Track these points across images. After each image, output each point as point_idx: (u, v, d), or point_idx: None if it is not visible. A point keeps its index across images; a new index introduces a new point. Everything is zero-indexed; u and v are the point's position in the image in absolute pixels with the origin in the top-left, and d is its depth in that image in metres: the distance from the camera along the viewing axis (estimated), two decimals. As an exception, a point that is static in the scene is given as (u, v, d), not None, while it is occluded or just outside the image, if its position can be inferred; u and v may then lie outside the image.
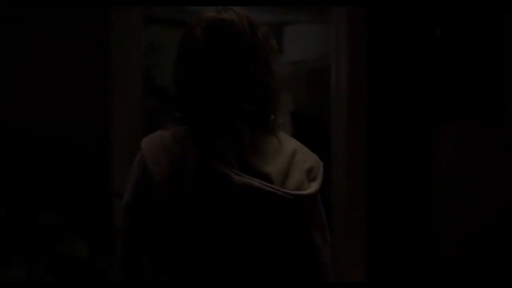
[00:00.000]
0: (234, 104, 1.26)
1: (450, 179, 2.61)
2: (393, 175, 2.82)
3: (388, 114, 2.82)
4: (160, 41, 3.94)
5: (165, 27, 4.49)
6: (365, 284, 2.75)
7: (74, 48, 2.69)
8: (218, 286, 1.21)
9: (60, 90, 2.68)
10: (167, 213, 1.22)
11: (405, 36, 2.75)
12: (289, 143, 1.31)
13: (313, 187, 1.26)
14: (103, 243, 2.37)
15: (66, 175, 2.64)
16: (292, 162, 1.27)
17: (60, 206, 2.39)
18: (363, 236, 2.85)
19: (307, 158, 1.30)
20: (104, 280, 2.23)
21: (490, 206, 2.70)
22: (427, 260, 2.71)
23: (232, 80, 1.26)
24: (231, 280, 1.21)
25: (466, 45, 2.66)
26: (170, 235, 1.22)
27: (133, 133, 2.85)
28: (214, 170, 1.19)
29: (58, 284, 2.13)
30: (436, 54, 2.68)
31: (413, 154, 2.72)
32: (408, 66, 2.77)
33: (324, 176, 1.30)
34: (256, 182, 1.19)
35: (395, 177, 2.82)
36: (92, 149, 2.71)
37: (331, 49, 3.03)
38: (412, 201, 2.78)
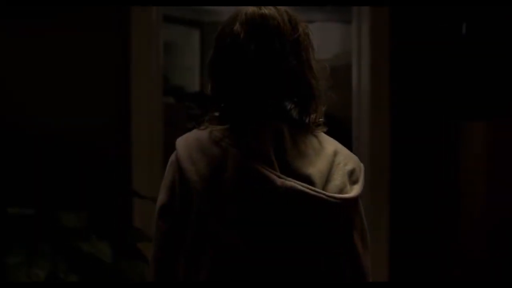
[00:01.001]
0: (274, 103, 1.23)
1: (477, 179, 2.57)
2: (417, 175, 2.78)
3: (412, 113, 2.78)
4: (172, 40, 3.94)
5: (175, 26, 4.49)
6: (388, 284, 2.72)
7: (95, 48, 2.70)
8: None
9: (82, 91, 2.69)
10: (205, 215, 1.18)
11: (430, 34, 2.70)
12: (330, 144, 1.27)
13: (356, 190, 1.21)
14: (124, 244, 2.37)
15: (86, 175, 2.65)
16: (333, 163, 1.22)
17: (81, 207, 2.40)
18: (388, 235, 2.82)
19: (348, 159, 1.25)
20: (127, 280, 2.23)
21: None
22: (453, 259, 2.67)
23: (272, 77, 1.21)
24: (270, 284, 1.17)
25: (492, 43, 2.61)
26: (207, 236, 1.19)
27: (153, 133, 2.86)
28: (255, 172, 1.15)
29: (78, 284, 2.13)
30: (462, 51, 2.64)
31: (438, 154, 2.68)
32: (433, 64, 2.72)
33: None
34: (299, 185, 1.15)
35: (419, 177, 2.78)
36: (112, 149, 2.71)
37: (352, 47, 3.00)
38: (437, 200, 2.74)
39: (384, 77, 2.81)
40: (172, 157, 1.27)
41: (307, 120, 1.25)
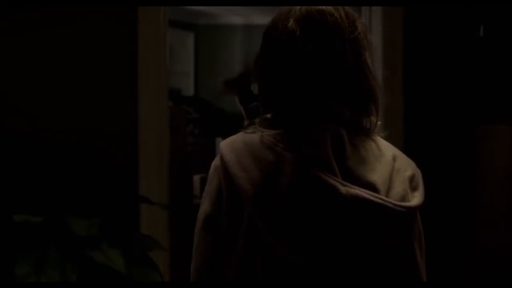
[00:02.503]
0: (331, 104, 1.14)
1: (497, 182, 2.53)
2: (433, 179, 2.73)
3: (427, 117, 2.74)
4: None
5: (169, 29, 4.46)
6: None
7: (102, 55, 2.64)
8: None
9: (90, 95, 2.64)
10: (258, 226, 1.09)
11: (446, 36, 2.66)
12: (388, 148, 1.19)
13: (418, 197, 1.13)
14: (135, 251, 2.30)
15: (94, 181, 2.58)
16: (393, 169, 1.14)
17: (90, 213, 2.33)
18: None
19: (407, 165, 1.18)
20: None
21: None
22: (471, 262, 2.63)
23: (330, 77, 1.13)
24: None
25: (510, 44, 2.57)
26: (260, 249, 1.10)
27: (160, 138, 2.80)
28: (316, 179, 1.06)
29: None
30: (479, 53, 2.60)
31: (455, 158, 2.63)
32: (449, 66, 2.69)
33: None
34: (365, 193, 1.06)
35: (435, 181, 2.74)
36: (119, 154, 2.66)
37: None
38: (454, 203, 2.70)
39: (398, 79, 2.77)
40: (216, 162, 1.18)
41: (366, 124, 1.18)
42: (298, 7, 1.16)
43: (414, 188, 1.15)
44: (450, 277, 2.71)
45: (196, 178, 5.03)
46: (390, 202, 1.08)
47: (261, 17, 8.24)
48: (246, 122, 5.24)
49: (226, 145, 1.17)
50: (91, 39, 2.63)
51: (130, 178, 2.64)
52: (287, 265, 1.09)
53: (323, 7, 1.15)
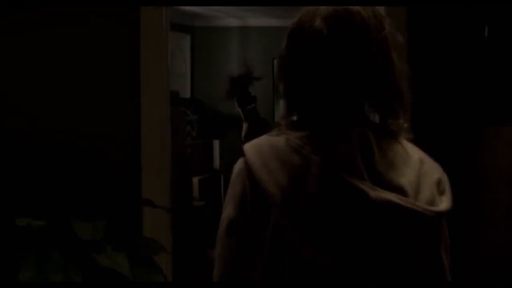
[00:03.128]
0: (359, 105, 1.11)
1: (499, 184, 2.52)
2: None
3: (431, 118, 2.72)
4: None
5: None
6: None
7: (103, 56, 2.62)
8: None
9: (92, 98, 2.61)
10: (285, 231, 1.06)
11: (450, 37, 2.65)
12: (414, 151, 1.17)
13: (446, 201, 1.11)
14: (139, 255, 2.28)
15: (96, 184, 2.56)
16: (420, 173, 1.11)
17: (93, 216, 2.31)
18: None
19: (433, 168, 1.16)
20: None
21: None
22: (478, 262, 2.62)
23: (359, 78, 1.10)
24: None
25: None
26: (286, 254, 1.07)
27: (162, 141, 2.78)
28: (345, 183, 1.03)
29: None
30: (483, 55, 2.58)
31: (459, 160, 2.61)
32: (453, 67, 2.67)
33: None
34: (395, 198, 1.04)
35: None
36: (122, 157, 2.63)
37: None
38: (458, 204, 2.68)
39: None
40: (239, 166, 1.16)
41: (393, 126, 1.15)
42: (325, 6, 1.14)
43: (441, 192, 1.13)
44: (451, 277, 2.69)
45: (195, 180, 5.01)
46: (420, 207, 1.06)
47: (257, 19, 8.23)
48: (244, 124, 5.30)
49: (250, 148, 1.14)
50: (92, 40, 2.61)
51: (133, 181, 2.62)
52: (315, 268, 1.07)
53: (350, 6, 1.12)
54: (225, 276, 1.14)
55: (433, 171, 1.15)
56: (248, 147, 1.14)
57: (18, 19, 2.56)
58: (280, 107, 1.21)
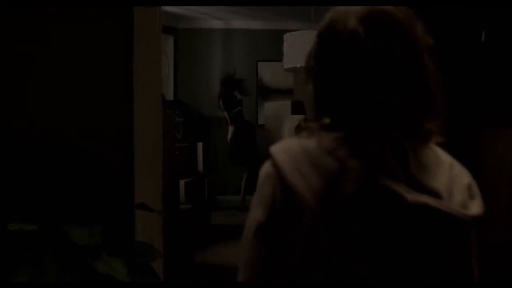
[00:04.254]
0: (393, 107, 1.08)
1: (499, 186, 2.53)
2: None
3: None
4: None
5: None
6: None
7: (96, 60, 2.58)
8: None
9: (85, 101, 2.57)
10: (319, 236, 1.03)
11: (449, 40, 2.65)
12: (444, 155, 1.16)
13: (478, 205, 1.09)
14: (134, 260, 2.24)
15: (89, 188, 2.51)
16: (451, 176, 1.10)
17: (87, 221, 2.27)
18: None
19: (463, 172, 1.14)
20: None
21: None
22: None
23: (392, 78, 1.07)
24: None
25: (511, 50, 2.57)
26: (320, 259, 1.04)
27: (155, 144, 2.74)
28: (382, 187, 1.01)
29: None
30: (482, 58, 2.59)
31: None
32: (453, 71, 2.67)
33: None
34: (432, 201, 1.01)
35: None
36: (115, 161, 2.59)
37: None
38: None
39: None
40: (268, 169, 1.11)
41: (426, 129, 1.12)
42: (358, 6, 1.11)
43: (471, 196, 1.12)
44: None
45: (181, 183, 4.97)
46: (457, 211, 1.04)
47: (241, 21, 8.21)
48: (230, 127, 5.28)
49: (280, 151, 1.10)
50: (83, 41, 2.56)
51: (126, 185, 2.58)
52: (348, 272, 1.04)
53: (384, 6, 1.11)
54: (254, 279, 1.10)
55: (463, 175, 1.14)
56: (277, 150, 1.10)
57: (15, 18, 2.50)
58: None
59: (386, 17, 1.09)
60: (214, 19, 8.12)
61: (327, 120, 1.12)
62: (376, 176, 1.02)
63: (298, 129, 1.17)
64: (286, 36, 5.79)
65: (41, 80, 2.54)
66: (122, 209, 2.51)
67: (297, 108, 5.95)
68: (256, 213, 1.11)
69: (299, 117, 5.78)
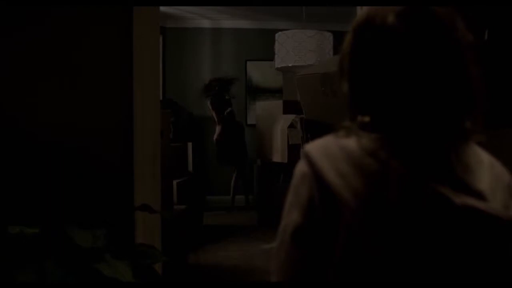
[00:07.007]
0: (435, 106, 1.04)
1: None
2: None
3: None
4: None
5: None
6: None
7: (96, 60, 2.55)
8: None
9: (84, 102, 2.54)
10: (360, 236, 1.00)
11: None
12: (484, 155, 1.11)
13: None
14: (137, 262, 2.22)
15: (90, 190, 2.49)
16: (493, 176, 1.06)
17: (88, 223, 2.24)
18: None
19: (504, 172, 1.10)
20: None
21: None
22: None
23: (433, 76, 1.03)
24: None
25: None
26: (360, 264, 1.00)
27: (154, 145, 2.72)
28: (428, 189, 0.97)
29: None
30: (484, 58, 2.59)
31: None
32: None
33: None
34: (481, 204, 0.98)
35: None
36: (114, 163, 2.57)
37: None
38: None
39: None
40: (303, 169, 1.06)
41: (467, 128, 1.08)
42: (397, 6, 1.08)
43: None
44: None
45: (174, 183, 4.93)
46: (503, 213, 1.01)
47: (229, 21, 8.18)
48: (218, 127, 5.24)
49: (317, 150, 1.05)
50: (82, 42, 2.54)
51: (126, 186, 2.55)
52: (389, 276, 1.01)
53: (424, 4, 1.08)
54: (292, 281, 1.07)
55: (504, 174, 1.11)
56: (313, 149, 1.06)
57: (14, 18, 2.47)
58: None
59: (426, 12, 1.06)
60: (202, 18, 8.09)
61: (366, 119, 1.08)
62: (421, 178, 0.99)
63: (336, 129, 1.13)
64: (278, 35, 5.78)
65: (41, 81, 2.51)
66: (123, 211, 2.49)
67: (288, 108, 5.94)
68: (292, 216, 1.07)
69: (292, 116, 5.77)
